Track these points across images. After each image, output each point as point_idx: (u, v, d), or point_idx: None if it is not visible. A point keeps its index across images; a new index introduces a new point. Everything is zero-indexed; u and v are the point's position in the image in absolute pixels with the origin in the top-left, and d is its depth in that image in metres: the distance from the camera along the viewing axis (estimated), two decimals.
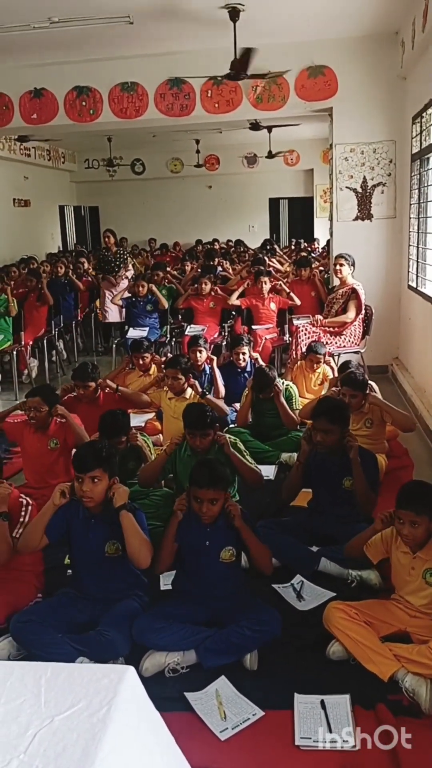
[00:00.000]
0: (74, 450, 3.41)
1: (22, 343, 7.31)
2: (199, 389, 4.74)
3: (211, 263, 8.85)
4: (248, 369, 5.48)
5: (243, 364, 5.53)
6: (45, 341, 7.73)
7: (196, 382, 4.80)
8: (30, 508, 3.11)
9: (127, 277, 8.50)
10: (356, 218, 7.06)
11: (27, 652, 2.62)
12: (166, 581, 3.14)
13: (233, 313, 7.63)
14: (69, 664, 1.39)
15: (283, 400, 4.72)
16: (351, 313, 6.25)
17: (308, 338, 6.07)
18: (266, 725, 2.29)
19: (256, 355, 5.80)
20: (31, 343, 7.50)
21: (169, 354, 6.70)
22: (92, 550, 2.81)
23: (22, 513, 3.07)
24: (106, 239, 8.72)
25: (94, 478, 2.72)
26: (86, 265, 10.35)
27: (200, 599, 2.78)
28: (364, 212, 7.04)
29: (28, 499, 3.17)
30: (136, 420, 5.07)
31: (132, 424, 4.87)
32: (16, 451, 4.77)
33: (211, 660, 2.58)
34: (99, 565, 2.82)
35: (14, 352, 7.09)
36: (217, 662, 2.57)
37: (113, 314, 8.44)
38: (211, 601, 2.78)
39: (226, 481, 2.80)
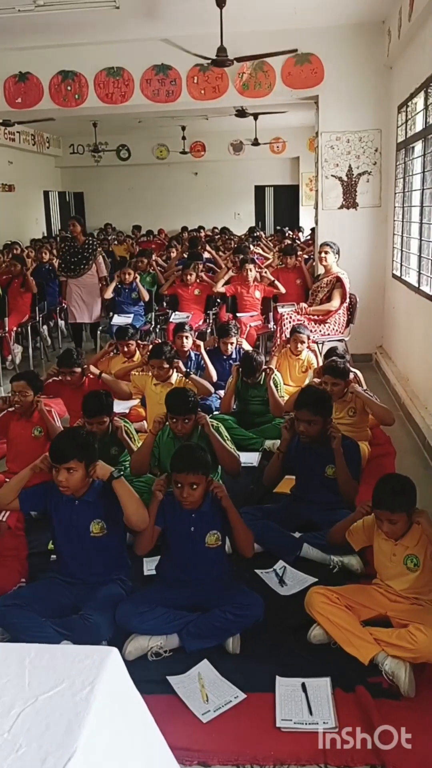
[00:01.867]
0: None
1: (6, 329, 7.27)
2: (183, 369, 4.76)
3: (196, 250, 8.82)
4: (233, 356, 5.50)
5: (229, 352, 5.55)
6: (29, 327, 7.69)
7: (180, 362, 4.82)
8: None
9: (95, 274, 7.65)
10: (341, 207, 7.07)
11: (10, 636, 2.63)
12: (149, 566, 3.16)
13: (218, 300, 7.64)
14: (53, 645, 1.41)
15: (272, 385, 4.74)
16: (336, 302, 6.28)
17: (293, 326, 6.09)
18: (248, 708, 2.32)
19: (244, 342, 5.80)
20: (15, 329, 7.45)
21: (156, 340, 6.70)
22: (77, 531, 2.82)
23: None
24: (72, 227, 7.74)
25: (69, 469, 2.71)
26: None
27: (184, 583, 2.81)
28: (350, 201, 7.05)
29: None
30: (121, 406, 5.07)
31: (116, 410, 4.90)
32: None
33: (194, 644, 2.61)
34: (83, 547, 2.83)
35: None
36: (199, 646, 2.60)
37: (82, 313, 7.74)
38: (194, 585, 2.81)
39: (206, 465, 2.81)
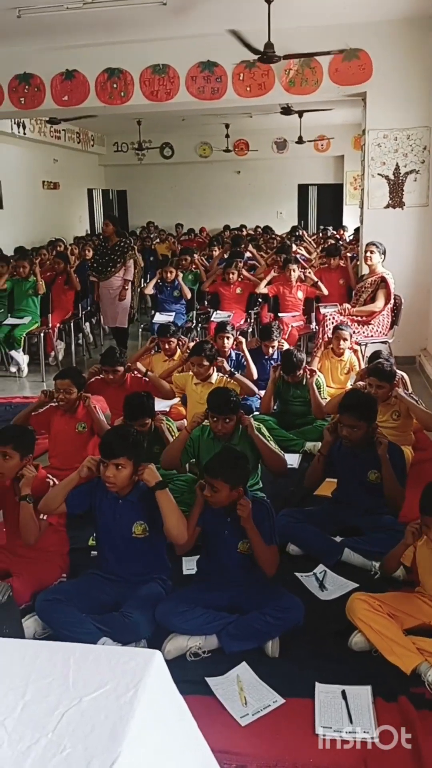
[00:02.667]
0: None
1: (50, 325, 7.37)
2: (227, 368, 4.74)
3: (238, 249, 8.79)
4: (275, 357, 5.46)
5: (271, 353, 5.52)
6: (72, 324, 7.77)
7: (224, 361, 4.81)
8: None
9: (124, 277, 7.11)
10: (387, 206, 6.96)
11: (51, 630, 2.65)
12: (189, 566, 3.15)
13: (260, 300, 7.60)
14: (97, 646, 1.41)
15: (315, 385, 4.69)
16: (380, 302, 6.18)
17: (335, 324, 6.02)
18: (287, 713, 2.30)
19: (285, 344, 5.76)
20: (58, 325, 7.55)
21: (196, 339, 6.69)
22: (119, 530, 2.83)
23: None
24: (104, 227, 7.36)
25: (118, 465, 2.71)
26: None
27: (222, 584, 2.79)
28: (396, 200, 6.94)
29: (54, 480, 3.20)
30: (161, 404, 5.08)
31: (156, 409, 4.91)
32: (42, 433, 4.80)
33: (233, 645, 2.59)
34: (125, 546, 2.84)
35: (42, 335, 7.14)
36: (238, 648, 2.59)
37: (106, 317, 7.48)
38: (232, 586, 2.79)
39: (237, 475, 2.77)
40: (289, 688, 2.40)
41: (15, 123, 10.93)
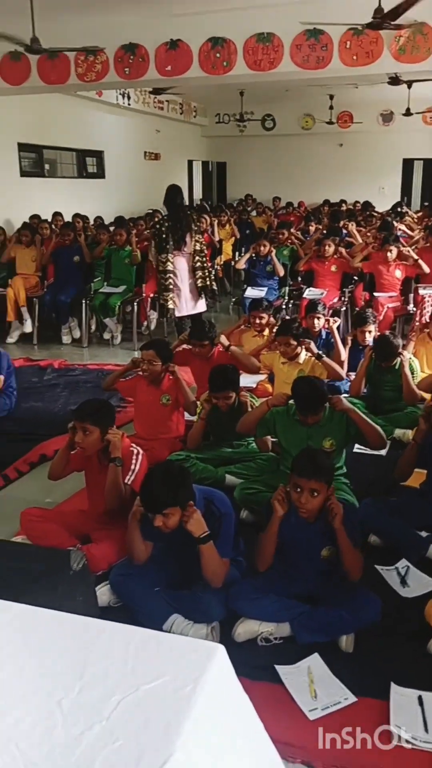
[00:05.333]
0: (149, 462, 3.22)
1: (143, 295, 7.42)
2: (315, 350, 4.61)
3: (337, 225, 8.52)
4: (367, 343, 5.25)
5: (367, 342, 5.30)
6: None
7: (312, 343, 4.67)
8: (141, 457, 3.13)
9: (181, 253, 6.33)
10: None
11: (123, 603, 2.66)
12: None
13: (355, 278, 7.35)
14: (158, 633, 1.36)
15: (408, 370, 4.49)
16: None
17: None
18: (358, 712, 2.20)
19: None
20: (151, 295, 7.60)
21: (287, 316, 6.55)
22: (189, 545, 2.60)
23: (133, 461, 3.10)
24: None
25: (166, 514, 2.48)
26: (206, 223, 8.87)
27: (298, 577, 2.70)
28: None
29: (138, 448, 3.20)
30: (248, 380, 5.01)
31: (243, 384, 4.85)
32: (129, 400, 4.85)
33: (306, 636, 2.51)
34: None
35: (135, 304, 7.20)
36: (311, 639, 2.50)
37: (186, 303, 6.45)
38: (309, 580, 2.70)
39: (330, 472, 2.62)
40: (362, 687, 2.29)
41: (120, 93, 11.01)
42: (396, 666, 2.40)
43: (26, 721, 1.13)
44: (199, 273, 6.39)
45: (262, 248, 7.47)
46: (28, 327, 7.44)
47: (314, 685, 2.33)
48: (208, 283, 6.45)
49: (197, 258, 6.39)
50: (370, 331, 5.21)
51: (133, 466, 3.09)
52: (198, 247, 6.39)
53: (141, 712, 1.13)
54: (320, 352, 4.71)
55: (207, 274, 6.47)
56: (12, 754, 1.06)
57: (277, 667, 2.41)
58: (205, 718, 1.15)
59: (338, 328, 5.29)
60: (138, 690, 1.18)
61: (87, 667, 1.24)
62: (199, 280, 6.39)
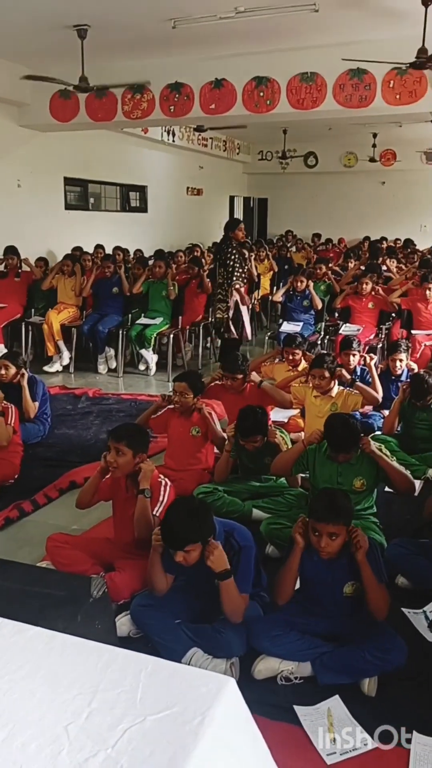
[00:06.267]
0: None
1: (179, 327, 7.50)
2: (348, 377, 4.61)
3: (376, 262, 8.52)
4: (402, 377, 5.20)
5: (398, 371, 5.27)
6: (201, 327, 7.87)
7: (342, 370, 4.67)
8: (169, 488, 3.14)
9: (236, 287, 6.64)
10: None
11: (144, 633, 2.65)
12: None
13: (393, 315, 7.31)
14: (171, 663, 1.35)
15: None
16: None
17: None
18: (377, 759, 2.13)
19: (413, 365, 5.49)
20: (188, 327, 7.66)
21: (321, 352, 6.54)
22: (209, 581, 2.58)
23: (161, 492, 3.11)
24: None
25: (188, 551, 2.46)
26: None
27: (320, 616, 2.65)
28: None
29: (166, 479, 3.21)
30: (280, 415, 5.00)
31: (275, 419, 4.84)
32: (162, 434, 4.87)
33: (327, 677, 2.46)
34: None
35: (171, 336, 7.29)
36: (333, 680, 2.45)
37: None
38: (332, 619, 2.64)
39: (349, 514, 2.56)
40: (383, 733, 2.23)
41: (165, 131, 11.30)
42: (420, 714, 2.32)
43: (32, 746, 1.13)
44: (218, 305, 6.71)
45: (299, 284, 7.51)
46: (65, 360, 7.57)
47: (334, 728, 2.27)
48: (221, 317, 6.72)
49: (219, 291, 6.70)
50: (401, 360, 5.17)
51: (161, 497, 3.10)
52: (220, 280, 6.68)
53: (147, 743, 1.12)
54: (355, 378, 4.71)
55: (225, 308, 6.71)
56: None
57: (296, 707, 2.36)
58: (211, 751, 1.13)
59: (375, 365, 5.25)
60: (145, 720, 1.17)
61: (97, 694, 1.24)
62: (218, 312, 6.69)
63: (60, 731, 1.15)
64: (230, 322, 6.70)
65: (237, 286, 6.59)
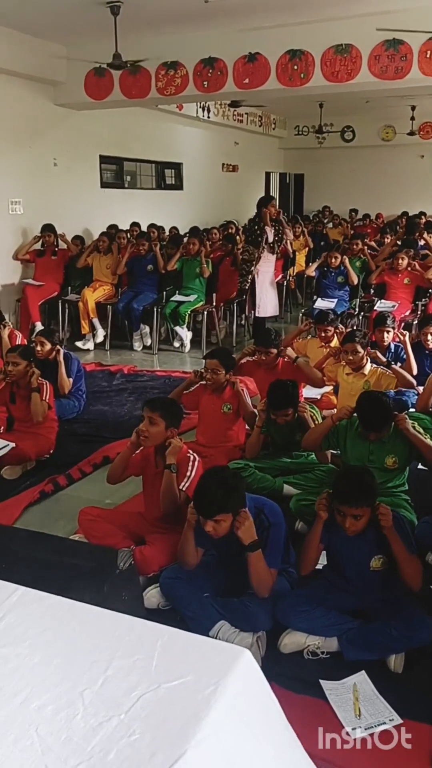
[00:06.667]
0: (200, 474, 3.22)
1: (213, 304, 7.49)
2: (383, 358, 4.54)
3: (413, 237, 8.35)
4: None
5: (431, 345, 5.17)
6: (235, 304, 7.84)
7: (378, 352, 4.60)
8: (197, 463, 3.16)
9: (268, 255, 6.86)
10: None
11: (173, 606, 2.68)
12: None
13: (429, 291, 7.17)
14: (187, 633, 1.36)
15: None
16: None
17: None
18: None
19: None
20: (222, 305, 7.64)
21: (355, 328, 6.46)
22: (239, 553, 2.60)
23: (189, 467, 3.12)
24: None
25: (217, 521, 2.49)
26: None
27: (348, 591, 2.65)
28: None
29: (195, 455, 3.23)
30: (312, 392, 4.97)
31: (308, 396, 4.81)
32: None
33: (353, 653, 2.46)
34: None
35: (205, 313, 7.28)
36: (359, 656, 2.45)
37: (269, 304, 7.07)
38: (360, 595, 2.64)
39: (373, 494, 2.53)
40: (408, 709, 2.22)
41: (200, 107, 11.18)
42: None
43: (48, 708, 1.16)
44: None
45: (333, 260, 7.41)
46: (99, 337, 7.64)
47: (359, 703, 2.27)
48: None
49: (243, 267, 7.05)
50: None
51: (188, 473, 3.11)
52: (246, 256, 6.95)
53: (160, 709, 1.14)
54: (389, 360, 4.63)
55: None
56: (31, 738, 1.09)
57: (322, 681, 2.37)
58: (223, 720, 1.14)
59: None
60: (159, 687, 1.19)
61: (113, 662, 1.26)
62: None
63: (75, 696, 1.18)
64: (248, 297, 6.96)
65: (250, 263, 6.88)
